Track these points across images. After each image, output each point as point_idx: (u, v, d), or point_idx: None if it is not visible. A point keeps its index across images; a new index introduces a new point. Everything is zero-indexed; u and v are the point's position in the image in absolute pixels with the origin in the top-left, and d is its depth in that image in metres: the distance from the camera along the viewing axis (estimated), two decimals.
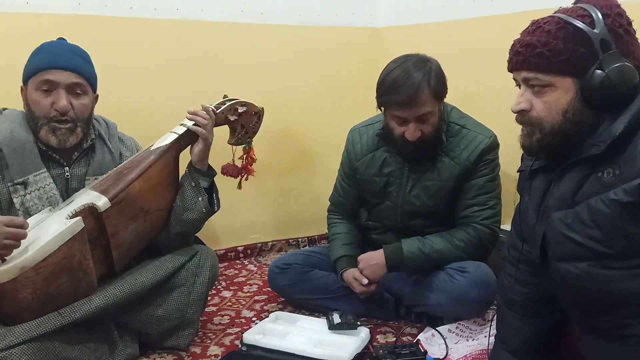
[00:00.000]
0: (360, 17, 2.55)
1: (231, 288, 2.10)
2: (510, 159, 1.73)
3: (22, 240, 1.24)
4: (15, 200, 1.41)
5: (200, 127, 1.55)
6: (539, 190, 1.15)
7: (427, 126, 1.58)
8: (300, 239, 2.59)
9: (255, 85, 2.28)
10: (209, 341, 1.65)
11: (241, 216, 2.40)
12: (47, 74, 1.42)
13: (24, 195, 1.41)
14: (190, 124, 1.57)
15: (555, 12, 1.07)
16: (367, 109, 2.55)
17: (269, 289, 2.05)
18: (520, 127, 1.16)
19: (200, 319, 1.65)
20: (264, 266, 2.35)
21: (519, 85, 1.12)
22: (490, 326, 1.56)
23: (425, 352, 1.44)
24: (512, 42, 1.10)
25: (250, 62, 2.32)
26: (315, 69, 2.48)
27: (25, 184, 1.41)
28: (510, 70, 1.11)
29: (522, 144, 1.13)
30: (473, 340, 1.54)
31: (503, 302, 1.33)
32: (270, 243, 2.51)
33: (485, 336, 1.53)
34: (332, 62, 2.51)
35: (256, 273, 2.27)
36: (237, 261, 2.41)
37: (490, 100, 2.01)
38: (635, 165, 0.95)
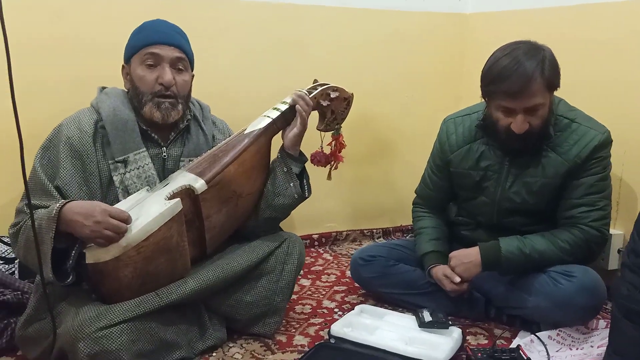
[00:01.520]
0: (448, 2, 2.44)
1: (309, 277, 2.07)
2: (613, 156, 1.61)
3: None
4: (115, 178, 1.41)
5: (303, 110, 1.52)
6: None
7: (536, 119, 1.48)
8: (375, 230, 2.53)
9: (338, 71, 2.23)
10: (294, 330, 1.62)
11: (317, 204, 2.34)
12: (153, 48, 1.42)
13: (124, 174, 1.41)
14: (284, 107, 1.54)
15: None
16: (450, 99, 2.48)
17: (347, 279, 2.01)
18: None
19: None
20: (339, 255, 2.31)
21: None
22: (599, 336, 1.47)
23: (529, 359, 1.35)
24: None
25: (334, 47, 2.27)
26: (399, 55, 2.40)
27: (125, 162, 1.41)
28: None
29: None
30: (577, 349, 1.44)
31: (620, 311, 1.22)
32: (345, 232, 2.47)
33: (592, 346, 1.44)
34: (416, 49, 2.43)
35: (332, 262, 2.23)
36: (312, 249, 2.38)
37: (588, 94, 1.87)
38: None
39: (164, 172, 1.49)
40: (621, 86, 1.82)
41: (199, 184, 1.38)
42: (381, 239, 2.52)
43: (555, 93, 1.54)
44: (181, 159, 1.52)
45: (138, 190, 1.42)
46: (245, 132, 1.53)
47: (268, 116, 1.55)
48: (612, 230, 1.81)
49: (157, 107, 1.42)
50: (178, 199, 1.34)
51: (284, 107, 1.56)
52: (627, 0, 1.80)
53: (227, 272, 1.43)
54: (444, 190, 1.81)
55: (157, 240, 1.28)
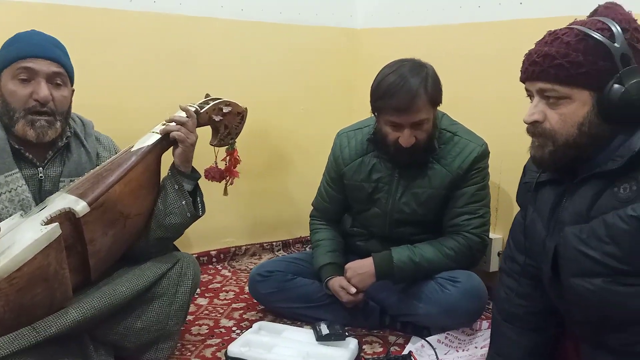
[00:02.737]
0: (339, 17, 2.50)
1: (206, 295, 2.01)
2: (491, 166, 1.74)
3: None
4: None
5: (177, 131, 1.44)
6: (548, 204, 1.13)
7: (422, 133, 1.55)
8: (274, 243, 2.52)
9: (233, 83, 2.20)
10: (189, 354, 1.57)
11: (214, 219, 2.27)
12: (26, 62, 1.31)
13: None
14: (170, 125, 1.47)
15: (571, 24, 1.05)
16: (344, 112, 2.54)
17: (246, 295, 1.98)
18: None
19: None
20: (239, 271, 2.27)
21: (531, 95, 1.10)
22: (482, 337, 1.56)
23: None
24: (528, 52, 1.08)
25: (228, 60, 2.24)
26: (294, 68, 2.42)
27: None
28: (524, 80, 1.09)
29: (533, 155, 1.10)
30: (463, 350, 1.53)
31: (500, 315, 1.31)
32: (244, 247, 2.43)
33: (476, 347, 1.52)
34: (310, 62, 2.46)
35: (231, 279, 2.19)
36: (210, 266, 2.32)
37: (469, 108, 2.00)
38: None
39: (41, 195, 1.37)
40: (497, 101, 1.97)
41: (80, 207, 1.29)
42: (281, 251, 2.51)
43: (439, 108, 1.63)
44: (61, 179, 1.41)
45: (11, 216, 1.30)
46: (132, 149, 1.45)
47: (156, 132, 1.49)
48: (492, 235, 1.94)
49: (30, 124, 1.32)
50: (56, 223, 1.24)
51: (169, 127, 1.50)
52: (504, 21, 1.94)
53: (114, 299, 1.34)
54: (339, 203, 1.85)
55: (32, 270, 1.18)
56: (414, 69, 1.52)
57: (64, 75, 1.38)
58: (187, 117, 1.48)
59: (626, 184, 0.98)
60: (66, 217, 1.28)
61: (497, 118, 1.95)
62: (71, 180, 1.41)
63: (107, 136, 1.59)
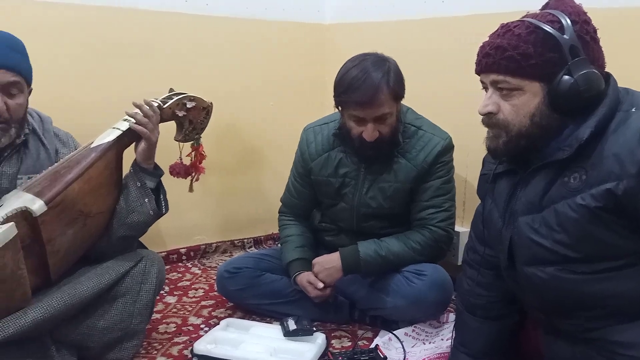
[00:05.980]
0: (307, 12, 2.49)
1: (175, 293, 2.00)
2: (457, 160, 1.76)
3: None
4: None
5: (141, 125, 1.43)
6: (504, 194, 1.14)
7: (385, 127, 1.56)
8: (246, 240, 2.51)
9: (200, 79, 2.18)
10: (155, 352, 1.55)
11: (184, 216, 2.29)
12: None
13: None
14: (131, 121, 1.46)
15: (523, 17, 1.06)
16: (315, 106, 2.53)
17: (215, 293, 1.97)
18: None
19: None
20: (209, 269, 2.26)
21: (485, 87, 1.10)
22: (448, 329, 1.57)
23: (385, 358, 1.41)
24: (482, 44, 1.08)
25: (194, 55, 2.21)
26: (262, 64, 2.41)
27: None
28: (479, 72, 1.10)
29: (488, 146, 1.11)
30: (430, 343, 1.54)
31: (463, 305, 1.33)
32: (215, 244, 2.42)
33: (442, 339, 1.53)
34: (279, 58, 2.45)
35: (201, 276, 2.17)
36: (180, 264, 2.30)
37: (435, 102, 2.01)
38: (602, 170, 0.96)
39: None
40: (463, 95, 1.97)
41: (37, 206, 1.26)
42: (252, 248, 2.50)
43: (404, 102, 1.63)
44: (18, 176, 1.38)
45: None
46: (92, 146, 1.43)
47: (118, 128, 1.46)
48: (460, 228, 1.95)
49: None
50: (12, 223, 1.21)
51: (131, 121, 1.48)
52: (466, 15, 1.95)
53: (74, 298, 1.32)
54: (307, 198, 1.84)
55: None
56: (377, 63, 1.52)
57: (21, 83, 1.33)
58: (150, 113, 1.47)
59: (575, 174, 0.99)
60: (22, 217, 1.26)
61: (463, 112, 1.95)
62: (29, 178, 1.38)
63: (67, 132, 1.56)
